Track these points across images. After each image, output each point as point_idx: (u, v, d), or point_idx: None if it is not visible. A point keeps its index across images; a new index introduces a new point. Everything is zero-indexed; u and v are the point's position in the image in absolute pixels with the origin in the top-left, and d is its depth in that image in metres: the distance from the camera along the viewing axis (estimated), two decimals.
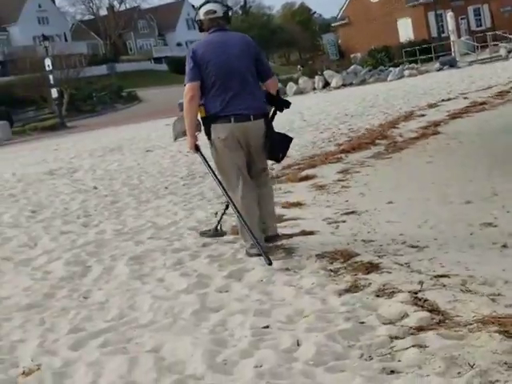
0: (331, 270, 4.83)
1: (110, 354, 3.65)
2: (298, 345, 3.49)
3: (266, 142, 5.32)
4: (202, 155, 5.53)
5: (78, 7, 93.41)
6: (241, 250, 5.74)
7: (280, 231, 6.00)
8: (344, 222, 6.59)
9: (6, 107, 43.31)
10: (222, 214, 6.11)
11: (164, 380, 3.27)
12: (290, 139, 5.65)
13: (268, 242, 5.52)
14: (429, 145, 11.89)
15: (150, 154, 14.89)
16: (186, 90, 5.22)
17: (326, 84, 35.66)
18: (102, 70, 70.56)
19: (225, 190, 5.39)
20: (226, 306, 4.28)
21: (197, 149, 5.45)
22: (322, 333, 3.57)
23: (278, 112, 5.58)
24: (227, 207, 5.77)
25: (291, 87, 36.24)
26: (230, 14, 5.51)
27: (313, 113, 20.61)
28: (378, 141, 12.57)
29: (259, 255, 5.16)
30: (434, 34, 46.66)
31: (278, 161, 5.84)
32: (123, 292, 4.88)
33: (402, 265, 4.83)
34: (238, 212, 5.26)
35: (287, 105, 5.58)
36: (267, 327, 3.80)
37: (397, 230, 5.97)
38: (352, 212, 6.98)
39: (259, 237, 5.26)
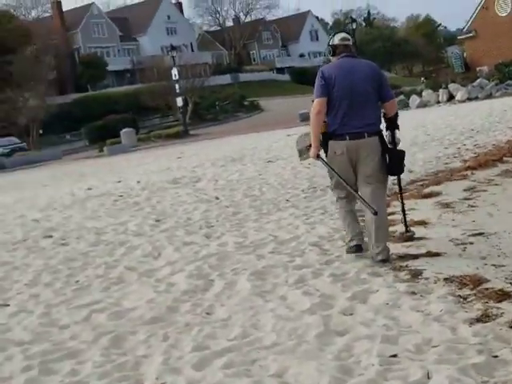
0: (460, 296, 4.64)
1: (233, 376, 3.62)
2: (429, 377, 3.34)
3: (384, 157, 5.83)
4: (324, 160, 5.96)
5: (205, 18, 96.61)
6: (365, 269, 5.64)
7: (405, 251, 5.88)
8: (472, 243, 6.34)
9: (133, 114, 45.03)
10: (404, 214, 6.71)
11: None
12: (403, 152, 6.03)
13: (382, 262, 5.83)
14: None
15: (271, 164, 14.98)
16: (314, 105, 5.80)
17: (451, 97, 34.68)
18: (225, 79, 72.03)
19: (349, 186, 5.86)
20: (351, 330, 4.18)
21: (318, 156, 5.92)
22: (454, 366, 3.42)
23: (393, 131, 6.04)
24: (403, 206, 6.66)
25: (414, 100, 35.53)
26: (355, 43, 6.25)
27: (437, 127, 20.10)
28: (505, 158, 12.06)
29: (357, 251, 6.05)
30: None
31: (398, 174, 6.26)
32: (246, 309, 4.87)
33: None
34: (365, 202, 5.75)
35: (397, 127, 6.09)
36: (395, 356, 3.67)
37: None
38: (480, 233, 6.69)
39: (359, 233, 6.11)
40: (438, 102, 34.92)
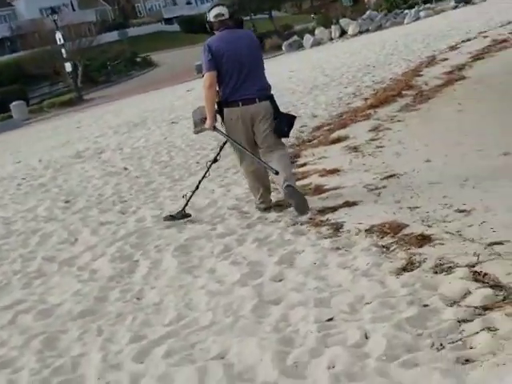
0: (383, 246, 4.75)
1: (176, 365, 3.58)
2: (367, 338, 3.43)
3: (274, 121, 6.17)
4: (221, 130, 6.35)
5: None
6: (287, 229, 5.70)
7: (323, 204, 6.13)
8: (385, 187, 6.49)
9: (20, 85, 43.15)
10: (190, 197, 6.86)
11: None
12: (293, 117, 6.44)
13: (289, 195, 6.12)
14: (456, 91, 11.67)
15: (175, 125, 14.78)
16: (205, 79, 6.14)
17: (343, 33, 35.10)
18: (113, 36, 69.86)
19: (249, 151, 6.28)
20: (284, 298, 4.22)
21: (214, 128, 6.32)
22: (389, 322, 3.51)
23: None
24: (197, 188, 6.89)
25: (308, 39, 35.78)
26: (234, 13, 6.57)
27: (334, 66, 20.30)
28: (404, 92, 12.36)
29: (266, 209, 6.46)
30: None
31: (287, 136, 6.47)
32: (176, 289, 4.82)
33: (453, 234, 4.73)
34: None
35: None
36: (331, 320, 3.74)
37: (440, 193, 5.85)
38: (391, 175, 6.85)
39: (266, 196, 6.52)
40: (331, 39, 35.30)
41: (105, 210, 8.06)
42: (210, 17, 6.29)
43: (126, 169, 10.72)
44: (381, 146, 8.54)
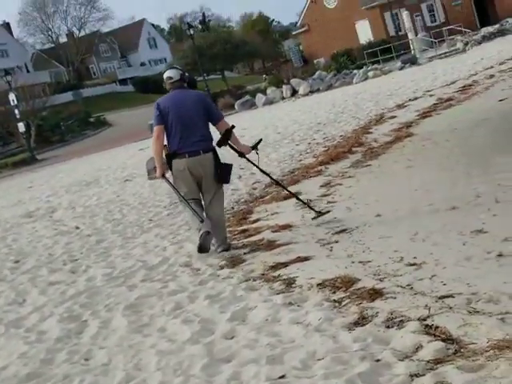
0: (335, 301, 4.74)
1: None
2: None
3: (216, 170, 6.94)
4: (168, 180, 7.08)
5: (38, 36, 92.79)
6: (240, 285, 5.65)
7: (275, 259, 6.05)
8: (337, 242, 6.53)
9: None
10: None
11: None
12: (230, 165, 7.17)
13: (223, 252, 6.95)
14: (405, 148, 11.88)
15: (128, 183, 14.72)
16: (154, 132, 6.97)
17: (294, 92, 35.68)
18: (67, 96, 70.04)
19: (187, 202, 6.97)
20: (236, 355, 4.14)
21: (163, 176, 7.01)
22: (341, 378, 3.47)
23: (226, 145, 7.20)
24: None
25: (260, 98, 36.25)
26: (188, 77, 7.27)
27: (286, 124, 20.59)
28: (354, 148, 12.56)
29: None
30: (392, 33, 47.09)
31: (227, 182, 7.27)
32: (125, 349, 4.70)
33: (404, 287, 4.75)
34: (196, 213, 6.92)
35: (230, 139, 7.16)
36: (283, 377, 3.68)
37: (391, 247, 5.91)
38: (343, 230, 6.90)
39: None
40: (283, 98, 35.83)
41: (54, 270, 7.91)
42: (164, 79, 7.11)
43: (77, 227, 10.59)
44: (332, 202, 8.62)
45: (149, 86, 79.45)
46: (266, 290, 5.39)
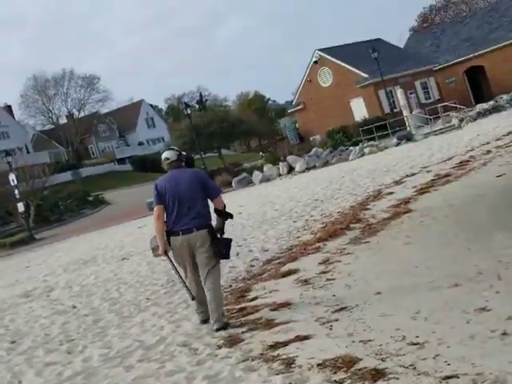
0: (336, 382, 4.66)
1: None
2: None
3: (211, 246, 7.12)
4: (169, 257, 7.38)
5: (38, 118, 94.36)
6: (238, 366, 5.56)
7: (274, 338, 5.88)
8: (337, 320, 6.45)
9: None
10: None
11: None
12: (229, 240, 7.42)
13: (220, 330, 7.02)
14: (403, 224, 11.88)
15: (126, 262, 14.65)
16: (154, 211, 7.31)
17: (291, 169, 35.93)
18: (66, 176, 70.71)
19: (183, 280, 7.43)
20: None
21: (165, 253, 7.28)
22: None
23: (224, 220, 7.38)
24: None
25: (257, 175, 36.47)
26: (185, 156, 7.55)
27: (283, 201, 20.64)
28: (352, 225, 12.55)
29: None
30: (387, 110, 47.75)
31: (227, 258, 7.48)
32: None
33: (407, 367, 4.67)
34: (189, 291, 7.35)
35: (231, 216, 7.45)
36: None
37: (393, 325, 5.83)
38: (343, 308, 6.84)
39: (204, 309, 7.37)
40: (280, 175, 36.04)
41: (51, 350, 7.80)
42: (162, 159, 7.45)
43: (74, 307, 10.48)
44: (331, 279, 8.55)
45: (147, 165, 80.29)
46: (265, 371, 5.30)
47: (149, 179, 69.28)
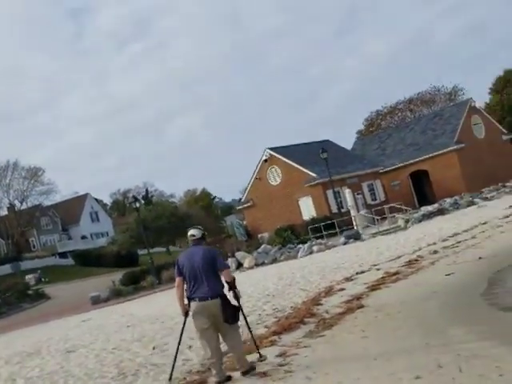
0: None
1: None
2: None
3: (223, 312, 8.46)
4: (184, 321, 8.89)
5: None
6: None
7: None
8: None
9: None
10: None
11: None
12: (237, 307, 8.80)
13: (246, 374, 8.57)
14: (357, 319, 11.91)
15: (72, 354, 14.16)
16: (176, 282, 8.81)
17: (239, 265, 35.88)
18: (5, 269, 68.92)
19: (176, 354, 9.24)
20: None
21: (186, 314, 8.67)
22: None
23: (234, 290, 8.80)
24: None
25: None
26: (205, 234, 9.01)
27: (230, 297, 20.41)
28: (306, 319, 12.55)
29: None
30: (334, 209, 48.48)
31: (234, 322, 8.73)
32: None
33: None
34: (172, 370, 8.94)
35: (236, 290, 8.86)
36: None
37: None
38: None
39: (219, 370, 8.60)
40: None
41: None
42: (188, 235, 8.92)
43: None
44: (290, 371, 8.47)
45: (89, 259, 79.12)
46: None
47: (91, 274, 68.38)
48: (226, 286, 8.74)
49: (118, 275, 47.37)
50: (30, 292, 55.13)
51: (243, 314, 9.33)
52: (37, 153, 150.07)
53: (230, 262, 36.40)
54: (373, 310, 12.59)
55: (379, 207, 46.88)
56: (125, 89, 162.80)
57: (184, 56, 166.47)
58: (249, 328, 9.77)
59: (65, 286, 60.34)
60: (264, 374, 8.53)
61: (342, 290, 16.26)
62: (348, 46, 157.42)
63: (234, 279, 8.80)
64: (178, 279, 8.73)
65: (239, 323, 8.89)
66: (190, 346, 12.05)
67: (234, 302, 8.82)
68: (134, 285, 41.63)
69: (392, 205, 47.09)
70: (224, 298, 8.55)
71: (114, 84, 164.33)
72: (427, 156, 56.05)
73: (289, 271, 25.43)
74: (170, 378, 8.84)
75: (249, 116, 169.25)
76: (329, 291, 16.47)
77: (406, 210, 44.60)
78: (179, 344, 9.21)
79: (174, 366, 9.11)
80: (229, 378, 8.61)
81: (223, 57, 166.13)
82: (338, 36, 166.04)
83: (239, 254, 37.10)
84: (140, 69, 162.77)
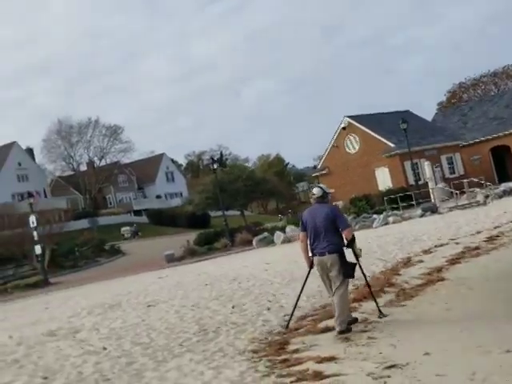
0: None
1: None
2: None
3: (340, 267, 9.00)
4: (309, 272, 9.63)
5: (59, 163, 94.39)
6: None
7: None
8: (389, 377, 6.33)
9: None
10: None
11: None
12: (354, 264, 9.29)
13: (342, 333, 8.78)
14: (438, 291, 11.79)
15: (152, 308, 14.47)
16: (299, 236, 9.59)
17: None
18: (83, 223, 70.75)
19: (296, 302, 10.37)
20: None
21: (311, 267, 9.44)
22: None
23: (351, 247, 9.27)
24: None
25: (278, 236, 36.32)
26: (326, 192, 9.41)
27: None
28: (386, 288, 12.44)
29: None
30: (411, 181, 47.79)
31: (352, 277, 9.37)
32: None
33: None
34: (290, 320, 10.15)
35: (356, 248, 9.39)
36: None
37: None
38: (393, 366, 6.71)
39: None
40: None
41: None
42: (310, 194, 9.72)
43: (104, 348, 10.28)
44: (373, 338, 8.43)
45: (163, 219, 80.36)
46: None
47: (165, 233, 69.57)
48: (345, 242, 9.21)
49: (191, 235, 47.99)
50: (106, 247, 56.59)
51: (362, 271, 9.83)
52: (116, 112, 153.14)
53: None
54: (454, 283, 12.42)
55: (457, 181, 45.87)
56: (203, 50, 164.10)
57: (263, 19, 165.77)
58: (368, 284, 10.57)
59: (139, 243, 61.67)
60: (347, 339, 8.54)
61: (421, 262, 16.07)
62: (432, 15, 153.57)
63: (354, 237, 9.29)
64: (302, 234, 9.43)
65: (349, 286, 9.62)
66: (269, 308, 12.16)
67: (351, 259, 9.36)
68: (207, 245, 42.11)
69: (471, 179, 46.01)
70: (341, 254, 9.07)
71: (193, 45, 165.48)
72: (511, 131, 54.45)
73: (364, 240, 25.19)
74: (287, 326, 9.68)
75: (327, 85, 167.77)
76: (407, 262, 16.31)
77: (487, 185, 43.50)
78: (301, 292, 10.20)
79: (292, 313, 10.07)
80: (355, 321, 9.27)
81: (302, 23, 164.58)
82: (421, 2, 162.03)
83: None
84: (219, 30, 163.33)
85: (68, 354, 10.25)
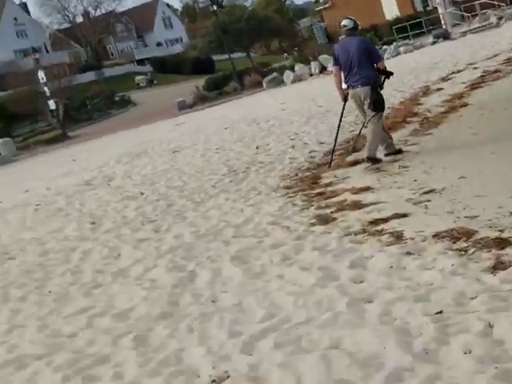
0: (460, 250, 4.68)
1: (293, 355, 3.51)
2: (491, 326, 3.37)
3: (371, 99, 8.97)
4: (344, 105, 9.75)
5: (54, 16, 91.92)
6: (343, 239, 5.63)
7: (370, 217, 6.20)
8: (429, 201, 6.45)
9: (3, 124, 42.78)
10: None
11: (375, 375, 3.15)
12: (383, 98, 9.20)
13: (368, 161, 8.93)
14: (463, 117, 11.75)
15: (178, 154, 14.71)
16: (333, 71, 9.80)
17: (323, 69, 35.34)
18: (89, 76, 69.92)
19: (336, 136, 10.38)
20: (375, 297, 4.14)
21: (345, 100, 9.47)
22: (509, 312, 3.45)
23: (386, 79, 9.33)
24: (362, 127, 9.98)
25: (288, 75, 35.96)
26: (358, 25, 9.28)
27: (325, 98, 20.37)
28: (408, 118, 12.46)
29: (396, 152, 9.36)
30: (420, 7, 46.43)
31: (380, 110, 9.21)
32: (251, 292, 4.73)
33: None
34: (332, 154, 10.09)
35: (391, 74, 9.38)
36: (441, 312, 3.68)
37: (493, 203, 5.76)
38: (431, 191, 6.83)
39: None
40: (311, 75, 35.53)
41: (137, 229, 7.95)
42: (341, 26, 9.44)
43: (142, 193, 10.60)
44: (405, 166, 8.54)
45: (167, 66, 79.12)
46: (375, 242, 5.37)
47: (171, 81, 68.75)
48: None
49: (198, 81, 47.57)
50: (116, 98, 56.34)
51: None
52: None
53: (314, 66, 35.94)
54: (477, 107, 12.36)
55: (468, 3, 44.38)
56: None
57: None
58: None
59: (147, 93, 61.22)
60: (378, 169, 8.67)
61: (440, 89, 15.95)
62: None
63: (385, 68, 9.32)
64: (334, 68, 9.51)
65: (383, 118, 9.49)
66: (293, 146, 12.30)
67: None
68: (217, 90, 41.83)
69: (483, 0, 44.56)
70: (374, 86, 9.05)
71: None
72: None
73: None
74: (330, 165, 9.68)
75: None
76: (426, 91, 16.20)
77: (499, 6, 42.15)
78: (339, 127, 10.21)
79: (333, 150, 10.09)
80: (399, 152, 9.41)
81: None
82: None
83: (322, 58, 36.38)
84: None
85: (108, 200, 10.59)
